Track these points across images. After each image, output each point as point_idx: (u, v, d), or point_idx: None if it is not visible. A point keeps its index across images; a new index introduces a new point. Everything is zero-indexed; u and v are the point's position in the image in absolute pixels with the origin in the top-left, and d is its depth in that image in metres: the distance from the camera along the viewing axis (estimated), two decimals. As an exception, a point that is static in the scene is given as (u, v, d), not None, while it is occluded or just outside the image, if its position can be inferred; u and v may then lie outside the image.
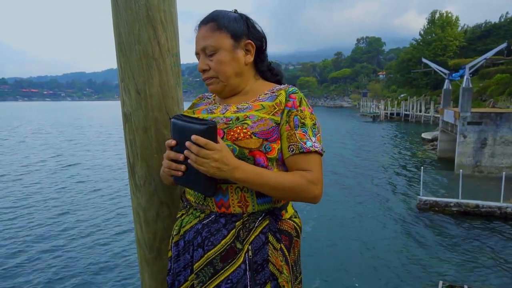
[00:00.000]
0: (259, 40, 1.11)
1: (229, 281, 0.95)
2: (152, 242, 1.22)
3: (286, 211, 1.08)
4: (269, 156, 0.99)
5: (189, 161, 0.92)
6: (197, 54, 1.09)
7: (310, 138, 1.02)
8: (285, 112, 1.03)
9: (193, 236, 1.01)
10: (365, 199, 11.00)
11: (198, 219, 1.03)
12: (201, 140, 0.89)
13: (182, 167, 0.95)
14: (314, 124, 1.05)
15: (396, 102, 44.34)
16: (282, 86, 1.12)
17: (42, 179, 13.43)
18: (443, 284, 5.60)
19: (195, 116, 1.08)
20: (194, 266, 0.98)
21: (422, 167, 10.74)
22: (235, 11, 1.11)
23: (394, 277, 6.40)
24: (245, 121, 1.00)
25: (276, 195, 1.00)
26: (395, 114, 41.54)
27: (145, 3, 1.09)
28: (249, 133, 0.97)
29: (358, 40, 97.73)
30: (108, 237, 7.87)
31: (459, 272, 6.58)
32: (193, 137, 0.89)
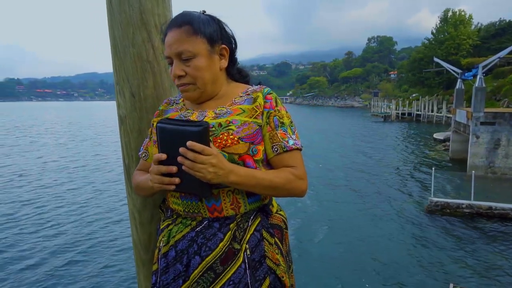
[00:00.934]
0: (230, 43, 1.09)
1: (231, 283, 0.96)
2: (148, 243, 1.23)
3: (273, 206, 1.12)
4: (256, 158, 1.01)
5: (183, 167, 0.89)
6: (168, 58, 1.03)
7: (291, 136, 1.05)
8: (265, 113, 1.05)
9: (187, 244, 0.99)
10: (374, 200, 10.89)
11: (189, 227, 1.01)
12: (198, 146, 0.87)
13: (177, 180, 0.91)
14: (291, 122, 1.09)
15: (407, 102, 43.79)
16: (256, 87, 1.11)
17: (52, 177, 13.64)
18: (453, 286, 5.51)
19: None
20: (192, 275, 0.96)
21: (433, 168, 10.59)
22: (204, 12, 1.05)
23: (403, 279, 6.32)
24: (229, 127, 0.99)
25: (268, 193, 1.03)
26: (406, 114, 41.01)
27: (139, 7, 1.10)
28: (236, 138, 0.98)
29: (369, 39, 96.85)
30: (111, 237, 7.92)
31: (470, 275, 6.46)
32: (189, 143, 0.87)
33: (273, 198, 1.14)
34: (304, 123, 35.18)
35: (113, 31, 1.13)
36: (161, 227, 1.08)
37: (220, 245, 0.97)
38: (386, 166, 15.80)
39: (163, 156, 0.91)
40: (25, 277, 6.17)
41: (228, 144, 0.97)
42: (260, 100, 1.06)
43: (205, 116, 1.05)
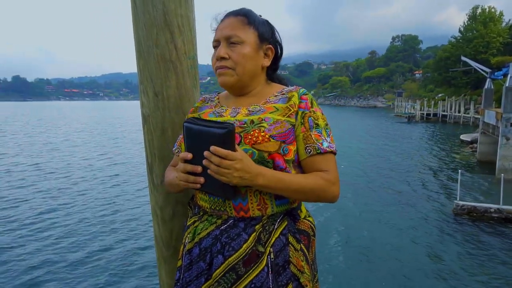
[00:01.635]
0: (278, 48, 1.13)
1: (252, 285, 0.94)
2: (169, 240, 1.25)
3: (301, 211, 1.09)
4: (286, 158, 0.99)
5: (209, 171, 0.90)
6: (216, 41, 1.07)
7: (325, 139, 1.03)
8: (299, 113, 1.03)
9: (211, 242, 0.99)
10: (398, 202, 10.66)
11: (214, 225, 1.01)
12: (222, 151, 0.87)
13: (201, 179, 0.93)
14: (327, 124, 1.06)
15: (433, 102, 42.59)
16: (292, 87, 1.11)
17: (80, 175, 14.08)
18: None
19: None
20: (214, 274, 0.96)
21: (459, 170, 10.26)
22: (260, 16, 1.12)
23: (425, 285, 6.15)
24: (261, 124, 0.99)
25: (297, 198, 1.02)
26: (431, 115, 39.87)
27: (162, 8, 1.12)
28: (267, 136, 0.97)
29: (393, 38, 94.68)
30: (134, 233, 8.08)
31: (497, 286, 6.22)
32: (212, 148, 0.87)
33: (302, 202, 1.12)
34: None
35: (138, 32, 1.16)
36: (188, 223, 1.09)
37: (244, 246, 0.96)
38: (410, 168, 15.42)
39: (189, 155, 0.93)
40: (44, 272, 6.29)
41: (259, 141, 0.97)
42: (295, 99, 1.06)
43: (238, 113, 1.06)
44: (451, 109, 37.33)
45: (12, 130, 33.05)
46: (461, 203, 9.48)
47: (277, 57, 1.14)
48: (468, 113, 34.24)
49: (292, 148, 1.00)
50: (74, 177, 13.68)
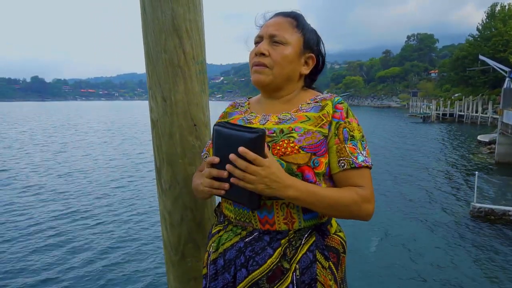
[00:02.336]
0: (320, 60, 1.10)
1: None
2: (177, 244, 1.25)
3: (331, 226, 1.03)
4: (317, 171, 0.93)
5: (233, 178, 0.85)
6: (259, 37, 1.04)
7: (361, 152, 0.96)
8: (333, 124, 0.97)
9: (235, 255, 0.96)
10: (412, 204, 10.48)
11: (239, 236, 0.97)
12: (250, 154, 0.82)
13: (226, 185, 0.88)
14: (363, 136, 1.00)
15: (449, 102, 41.78)
16: (326, 95, 1.05)
17: (98, 173, 14.32)
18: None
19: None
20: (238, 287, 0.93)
21: (476, 172, 10.02)
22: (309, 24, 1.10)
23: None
24: (291, 134, 0.94)
25: (329, 213, 0.95)
26: (447, 115, 39.08)
27: (171, 13, 1.12)
28: (296, 147, 0.92)
29: (408, 37, 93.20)
30: (145, 236, 8.07)
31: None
32: (241, 149, 0.82)
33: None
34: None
35: (147, 37, 1.16)
36: (213, 232, 1.06)
37: (269, 261, 0.91)
38: (425, 169, 15.16)
39: (216, 159, 0.88)
40: (53, 274, 6.26)
41: (288, 152, 0.92)
42: (329, 108, 0.99)
43: (268, 120, 1.01)
44: (468, 109, 36.54)
45: (31, 129, 33.84)
46: (478, 205, 9.26)
47: (317, 68, 1.10)
48: (486, 113, 33.45)
49: (324, 160, 0.95)
50: (91, 178, 13.91)
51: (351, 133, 0.97)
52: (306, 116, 0.99)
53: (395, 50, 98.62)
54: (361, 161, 0.95)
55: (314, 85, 1.14)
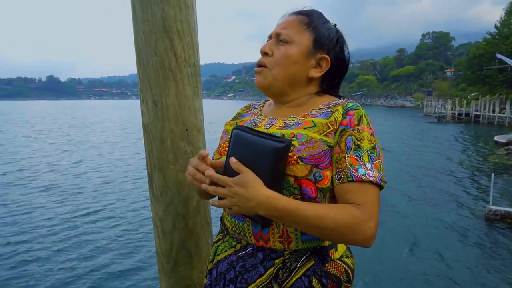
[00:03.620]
0: (339, 63, 0.97)
1: None
2: (169, 252, 1.22)
3: (336, 250, 0.91)
4: (319, 186, 0.82)
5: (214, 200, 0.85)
6: (269, 37, 0.98)
7: (364, 165, 0.82)
8: (338, 131, 0.86)
9: (226, 268, 0.91)
10: (426, 206, 10.29)
11: (233, 249, 0.93)
12: (214, 176, 0.81)
13: (207, 181, 0.83)
14: (373, 148, 0.85)
15: (465, 101, 40.92)
16: (341, 100, 0.94)
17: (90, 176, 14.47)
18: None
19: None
20: None
21: (492, 173, 9.77)
22: (335, 25, 1.00)
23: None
24: (292, 142, 0.84)
25: (318, 235, 0.84)
26: (463, 115, 38.27)
27: (161, 15, 1.08)
28: (295, 157, 0.82)
29: (423, 35, 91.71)
30: (141, 243, 7.79)
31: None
32: (207, 173, 0.82)
33: None
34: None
35: (137, 39, 1.13)
36: (214, 240, 1.02)
37: (258, 281, 0.85)
38: (440, 169, 14.87)
39: (206, 152, 0.88)
40: (44, 279, 6.11)
41: None
42: (338, 114, 0.87)
43: (273, 124, 0.93)
44: (484, 109, 35.75)
45: (46, 128, 34.51)
46: (494, 208, 9.04)
47: (335, 72, 0.97)
48: (503, 113, 32.69)
49: (329, 174, 0.84)
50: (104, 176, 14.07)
51: (358, 142, 0.84)
52: (313, 122, 0.88)
53: (409, 48, 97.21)
54: (362, 174, 0.81)
55: (340, 92, 1.02)
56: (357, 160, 0.83)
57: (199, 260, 1.23)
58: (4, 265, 6.63)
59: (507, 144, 19.23)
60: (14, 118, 48.31)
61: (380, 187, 0.84)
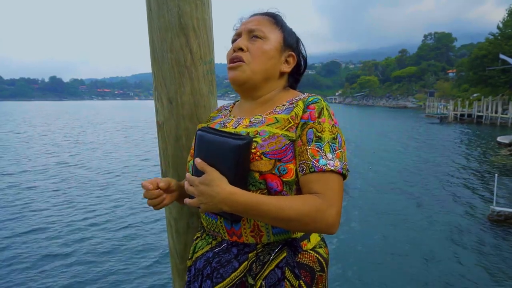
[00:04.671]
0: (300, 61, 1.05)
1: None
2: (183, 253, 1.20)
3: (309, 241, 0.94)
4: (284, 179, 0.85)
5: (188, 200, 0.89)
6: (237, 35, 1.00)
7: (325, 155, 0.85)
8: (300, 125, 0.89)
9: (203, 265, 0.94)
10: (429, 207, 10.25)
11: (209, 245, 0.96)
12: (187, 176, 0.86)
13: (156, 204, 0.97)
14: (334, 138, 0.88)
15: (467, 102, 40.81)
16: (303, 95, 0.98)
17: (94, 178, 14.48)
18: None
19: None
20: None
21: (496, 174, 9.72)
22: None
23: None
24: (255, 139, 0.88)
25: (283, 227, 0.87)
26: (466, 116, 38.17)
27: (177, 11, 1.07)
28: (258, 153, 0.85)
29: (425, 36, 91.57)
30: (153, 243, 7.79)
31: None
32: (197, 160, 0.84)
33: None
34: (350, 123, 34.16)
35: (152, 36, 1.11)
36: (194, 237, 1.05)
37: (232, 275, 0.88)
38: (442, 170, 14.82)
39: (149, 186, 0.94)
40: (54, 280, 6.12)
41: (250, 159, 0.85)
42: (298, 109, 0.91)
43: (240, 124, 0.97)
44: (487, 109, 35.65)
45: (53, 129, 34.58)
46: (498, 209, 8.99)
47: (299, 69, 1.05)
48: (506, 114, 32.60)
49: (293, 167, 0.86)
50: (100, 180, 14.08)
51: (319, 134, 0.87)
52: (276, 118, 0.92)
53: (411, 49, 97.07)
54: (322, 165, 0.84)
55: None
56: (318, 151, 0.86)
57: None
58: (15, 265, 6.65)
59: (510, 144, 19.16)
60: (30, 118, 48.40)
61: (343, 175, 0.87)
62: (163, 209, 1.25)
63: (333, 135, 0.88)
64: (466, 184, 12.86)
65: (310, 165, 0.85)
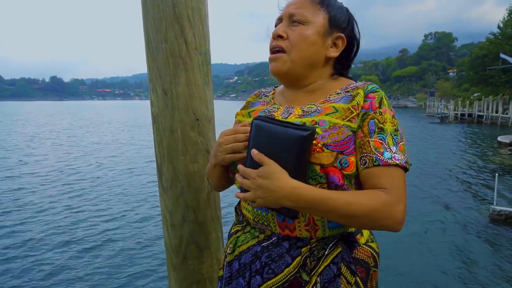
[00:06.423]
0: (352, 42, 0.95)
1: None
2: (178, 247, 1.19)
3: (362, 235, 0.91)
4: (345, 172, 0.80)
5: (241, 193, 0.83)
6: (279, 19, 0.93)
7: (389, 148, 0.81)
8: (360, 115, 0.83)
9: (250, 259, 0.89)
10: (429, 206, 10.23)
11: (256, 239, 0.90)
12: (240, 167, 0.79)
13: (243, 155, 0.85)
14: (396, 130, 0.84)
15: (468, 102, 40.77)
16: (360, 83, 0.91)
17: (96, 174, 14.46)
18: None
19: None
20: None
21: (496, 174, 9.70)
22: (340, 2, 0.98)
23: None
24: (316, 129, 0.82)
25: (348, 224, 0.83)
26: (466, 115, 38.13)
27: (172, 1, 1.05)
28: (319, 144, 0.80)
29: (425, 36, 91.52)
30: (150, 237, 7.79)
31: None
32: (253, 152, 0.78)
33: None
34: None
35: (147, 27, 1.10)
36: (231, 231, 0.99)
37: (286, 271, 0.83)
38: (443, 170, 14.79)
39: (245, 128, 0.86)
40: (49, 276, 6.07)
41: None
42: (359, 98, 0.85)
43: (291, 113, 0.90)
44: (488, 109, 35.61)
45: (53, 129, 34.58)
46: (498, 208, 8.96)
47: (350, 51, 0.96)
48: (507, 114, 32.56)
49: (354, 160, 0.82)
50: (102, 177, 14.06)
51: (381, 125, 0.82)
52: (334, 107, 0.85)
53: (412, 49, 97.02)
54: (387, 158, 0.79)
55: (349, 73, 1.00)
56: (382, 143, 0.81)
57: (209, 254, 1.20)
58: (16, 264, 6.66)
59: (510, 144, 19.13)
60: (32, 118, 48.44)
61: (406, 169, 0.83)
62: (158, 201, 1.24)
63: (395, 127, 0.84)
64: (467, 184, 12.84)
65: (374, 158, 0.80)
